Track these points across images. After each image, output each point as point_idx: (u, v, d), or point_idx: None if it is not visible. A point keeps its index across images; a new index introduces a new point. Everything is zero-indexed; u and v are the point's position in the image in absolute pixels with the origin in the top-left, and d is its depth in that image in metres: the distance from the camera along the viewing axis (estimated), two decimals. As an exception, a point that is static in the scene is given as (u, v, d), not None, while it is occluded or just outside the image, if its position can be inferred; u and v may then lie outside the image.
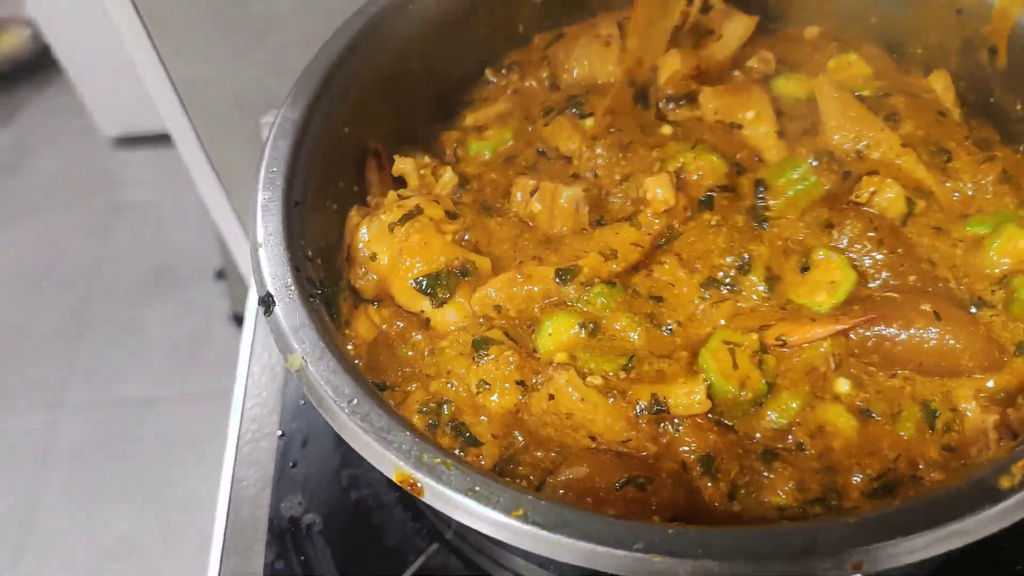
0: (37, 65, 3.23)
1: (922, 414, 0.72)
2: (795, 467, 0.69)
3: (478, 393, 0.73)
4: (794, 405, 0.72)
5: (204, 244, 2.71)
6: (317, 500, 0.97)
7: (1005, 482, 0.57)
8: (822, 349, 0.73)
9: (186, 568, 2.15)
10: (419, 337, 0.80)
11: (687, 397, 0.70)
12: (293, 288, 0.70)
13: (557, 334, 0.76)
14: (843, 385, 0.73)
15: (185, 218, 2.81)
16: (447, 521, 0.88)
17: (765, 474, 0.69)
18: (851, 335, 0.74)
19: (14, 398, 2.52)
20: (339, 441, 1.02)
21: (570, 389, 0.70)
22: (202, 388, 2.50)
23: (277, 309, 0.69)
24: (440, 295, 0.78)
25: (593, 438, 0.71)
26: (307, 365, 0.66)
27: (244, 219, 1.36)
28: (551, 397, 0.71)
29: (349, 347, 0.77)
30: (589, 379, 0.71)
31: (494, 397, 0.73)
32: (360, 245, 0.82)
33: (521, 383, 0.73)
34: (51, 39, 2.71)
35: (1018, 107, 0.88)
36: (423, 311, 0.80)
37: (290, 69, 1.12)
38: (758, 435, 0.72)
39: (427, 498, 0.60)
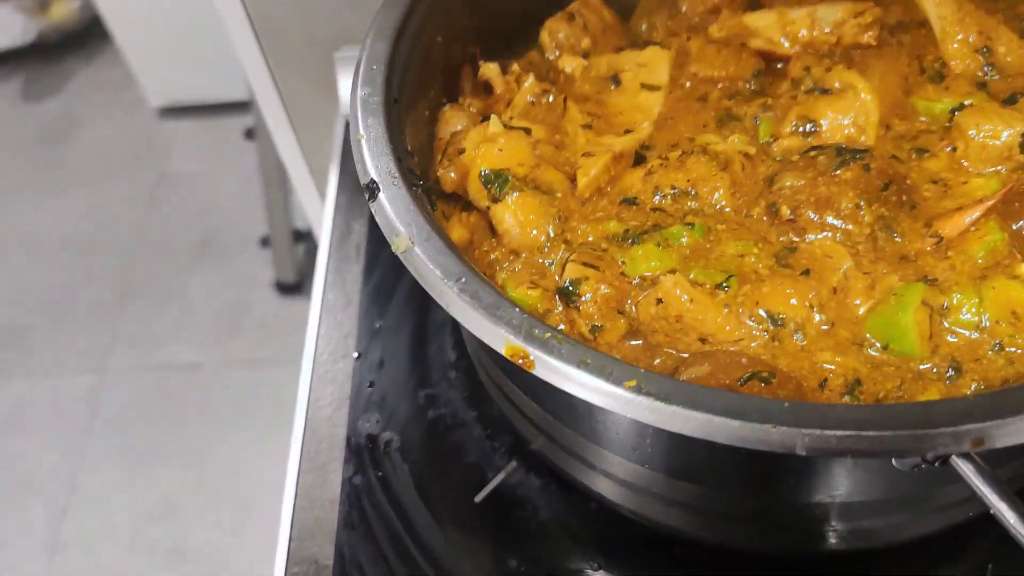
0: (86, 36, 3.27)
1: None
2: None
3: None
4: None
5: (249, 214, 2.73)
6: (395, 419, 0.98)
7: None
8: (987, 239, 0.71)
9: (224, 531, 2.17)
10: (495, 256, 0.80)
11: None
12: (397, 176, 0.70)
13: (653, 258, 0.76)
14: None
15: (230, 188, 2.84)
16: (541, 426, 0.87)
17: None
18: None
19: (60, 362, 2.55)
20: (415, 362, 1.03)
21: (678, 291, 0.70)
22: (245, 355, 2.52)
23: (382, 195, 0.69)
24: (494, 192, 0.79)
25: (704, 340, 0.71)
26: (414, 246, 0.66)
27: (311, 160, 1.37)
28: (659, 301, 0.71)
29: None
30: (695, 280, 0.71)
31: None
32: (451, 138, 0.83)
33: (622, 312, 0.73)
34: (102, 10, 2.75)
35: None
36: (488, 207, 0.80)
37: (364, 3, 1.14)
38: None
39: (538, 371, 0.60)
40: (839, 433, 0.54)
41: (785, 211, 0.74)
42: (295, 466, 0.96)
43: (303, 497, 0.93)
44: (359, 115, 0.75)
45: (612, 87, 0.91)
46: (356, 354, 1.03)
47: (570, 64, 0.93)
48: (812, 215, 0.73)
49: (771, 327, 0.70)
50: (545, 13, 0.97)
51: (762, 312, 0.70)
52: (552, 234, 0.78)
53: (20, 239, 2.84)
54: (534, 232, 0.77)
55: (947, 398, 0.57)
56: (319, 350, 1.04)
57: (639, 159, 0.84)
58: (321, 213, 1.27)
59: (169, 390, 2.48)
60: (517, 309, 0.62)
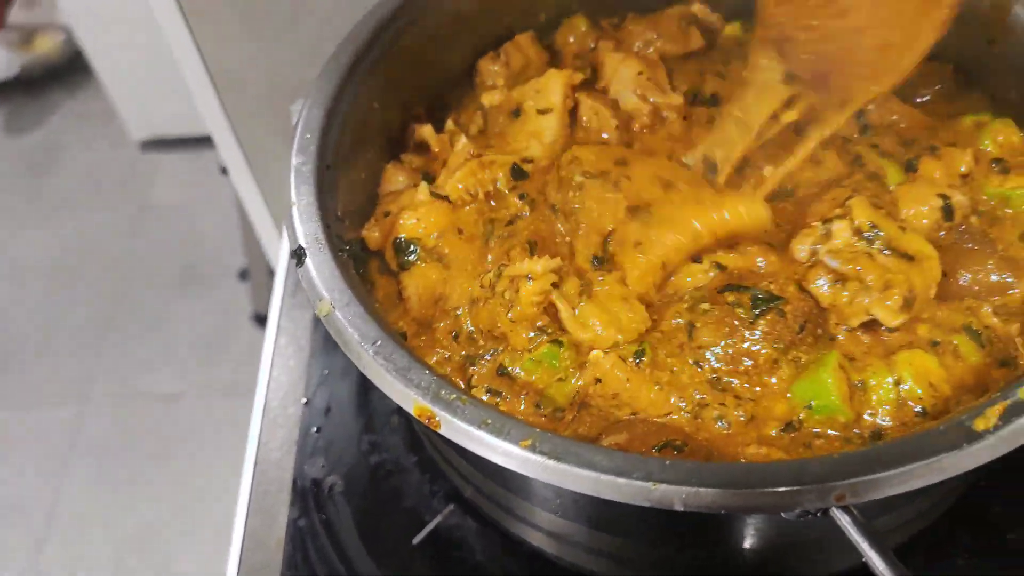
0: (70, 70, 3.32)
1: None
2: None
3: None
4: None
5: (228, 245, 2.77)
6: (339, 463, 1.02)
7: (980, 424, 0.61)
8: None
9: (205, 558, 2.20)
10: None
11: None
12: (323, 242, 0.76)
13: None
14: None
15: (210, 219, 2.88)
16: (467, 477, 0.92)
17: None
18: None
19: (42, 391, 2.58)
20: (360, 408, 1.08)
21: (618, 372, 0.75)
22: (224, 384, 2.55)
23: (308, 260, 0.75)
24: (401, 260, 0.85)
25: (635, 412, 0.75)
26: (335, 311, 0.71)
27: (272, 206, 1.42)
28: (597, 381, 0.76)
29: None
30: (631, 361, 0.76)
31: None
32: (385, 198, 0.88)
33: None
34: (84, 45, 2.80)
35: (1012, 94, 0.92)
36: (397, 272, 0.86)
37: (320, 57, 1.18)
38: None
39: (444, 430, 0.64)
40: (713, 491, 0.59)
41: (709, 371, 0.77)
42: (244, 508, 1.00)
43: (251, 538, 0.97)
44: (292, 183, 0.80)
45: (513, 119, 0.96)
46: (304, 400, 1.07)
47: (488, 100, 0.98)
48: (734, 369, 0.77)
49: (695, 408, 0.75)
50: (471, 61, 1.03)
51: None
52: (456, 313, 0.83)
53: (2, 269, 2.88)
54: (432, 306, 0.82)
55: (819, 456, 0.62)
56: (270, 395, 1.08)
57: (519, 173, 0.90)
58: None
59: (149, 419, 2.52)
60: (427, 372, 0.67)
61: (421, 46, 0.97)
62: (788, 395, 0.75)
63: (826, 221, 0.80)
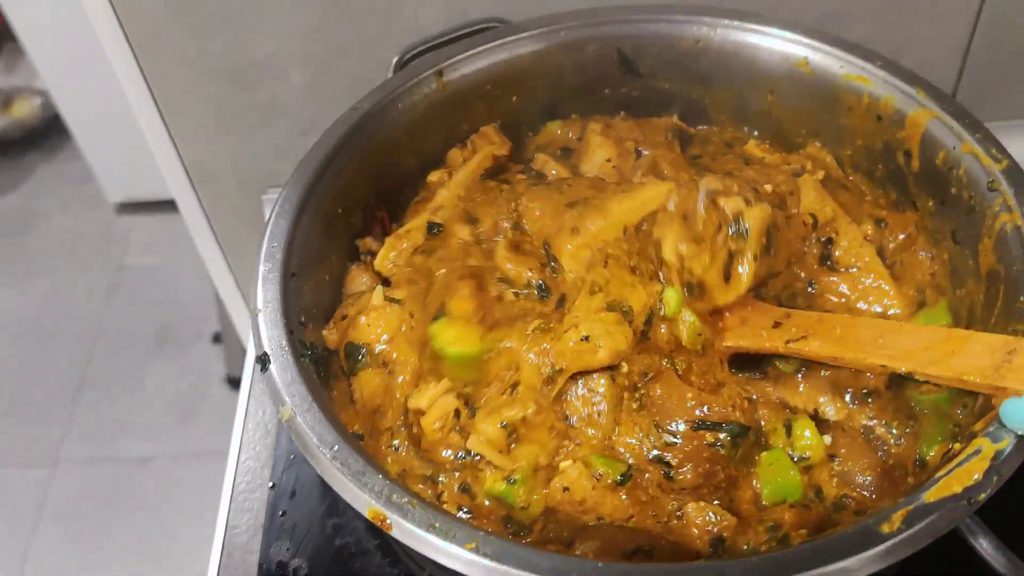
0: (47, 133, 3.39)
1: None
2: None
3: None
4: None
5: (203, 308, 2.82)
6: (304, 546, 1.06)
7: (886, 528, 0.67)
8: None
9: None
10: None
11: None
12: (287, 348, 0.82)
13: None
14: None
15: (185, 282, 2.94)
16: (421, 565, 0.97)
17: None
18: None
19: (11, 453, 2.61)
20: (324, 492, 1.12)
21: (584, 481, 0.81)
22: (197, 448, 2.59)
23: (272, 367, 0.81)
24: (350, 365, 0.91)
25: (600, 517, 0.81)
26: (296, 416, 0.77)
27: (244, 287, 1.48)
28: (565, 489, 0.82)
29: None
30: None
31: None
32: (346, 300, 0.95)
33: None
34: (61, 108, 2.87)
35: (930, 204, 0.99)
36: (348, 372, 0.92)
37: (291, 151, 1.26)
38: None
39: (394, 532, 0.70)
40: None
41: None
42: (211, 591, 1.04)
43: (219, 623, 1.02)
44: (259, 290, 0.87)
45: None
46: (271, 483, 1.12)
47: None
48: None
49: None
50: (438, 166, 1.10)
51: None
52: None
53: (-26, 330, 2.92)
54: (377, 412, 0.88)
55: (734, 560, 0.68)
56: (238, 479, 1.13)
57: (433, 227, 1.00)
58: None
59: (121, 482, 2.54)
60: (380, 476, 0.73)
61: (385, 152, 1.04)
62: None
63: None
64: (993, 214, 0.89)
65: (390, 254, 0.99)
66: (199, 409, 2.69)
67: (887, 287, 0.95)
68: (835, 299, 0.96)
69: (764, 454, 0.85)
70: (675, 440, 0.83)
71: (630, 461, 0.83)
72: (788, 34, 1.06)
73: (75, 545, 2.41)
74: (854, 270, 0.97)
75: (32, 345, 2.87)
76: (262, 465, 1.14)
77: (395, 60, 1.10)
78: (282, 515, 1.09)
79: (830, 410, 0.87)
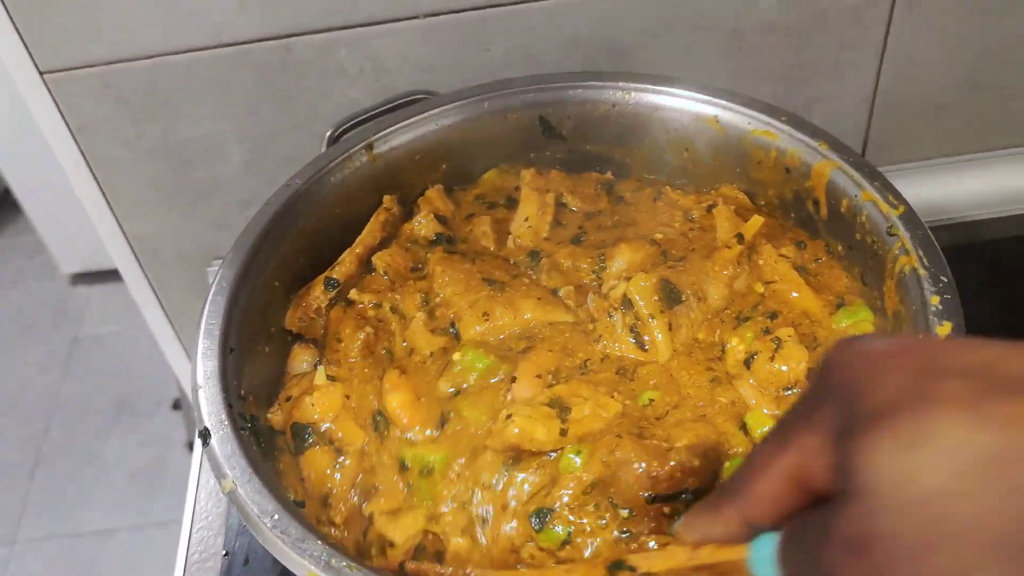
0: (-2, 206, 3.42)
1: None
2: None
3: None
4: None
5: (162, 375, 2.83)
6: None
7: None
8: None
9: None
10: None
11: None
12: (226, 423, 0.86)
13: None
14: None
15: (143, 350, 2.95)
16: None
17: None
18: None
19: (-35, 536, 2.60)
20: (276, 560, 1.15)
21: None
22: (161, 517, 2.59)
23: (213, 441, 0.85)
24: (297, 444, 0.95)
25: None
26: (236, 487, 0.81)
27: (189, 349, 1.52)
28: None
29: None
30: None
31: None
32: (289, 380, 0.99)
33: None
34: (11, 181, 2.91)
35: (840, 248, 1.05)
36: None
37: (232, 225, 1.30)
38: None
39: (332, 596, 0.74)
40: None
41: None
42: (165, 663, 1.06)
43: None
44: (198, 366, 0.91)
45: None
46: (224, 552, 1.15)
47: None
48: None
49: None
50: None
51: None
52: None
53: (-73, 410, 2.91)
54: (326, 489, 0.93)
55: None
56: (191, 549, 1.16)
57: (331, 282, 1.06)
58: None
59: (82, 557, 2.54)
60: (319, 542, 0.77)
61: (320, 224, 1.08)
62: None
63: None
64: (893, 257, 0.95)
65: (296, 314, 1.04)
66: (162, 477, 2.70)
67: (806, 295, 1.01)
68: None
69: (727, 464, 0.88)
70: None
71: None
72: (698, 95, 1.12)
73: (38, 625, 2.40)
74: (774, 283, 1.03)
75: (-15, 425, 2.87)
76: (215, 533, 1.17)
77: (328, 134, 1.15)
78: (236, 583, 1.12)
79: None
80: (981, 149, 1.46)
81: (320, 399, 0.95)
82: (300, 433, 0.94)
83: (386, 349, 1.01)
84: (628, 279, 0.98)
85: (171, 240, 1.35)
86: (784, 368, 0.93)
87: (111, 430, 2.81)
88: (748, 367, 0.95)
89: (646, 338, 0.97)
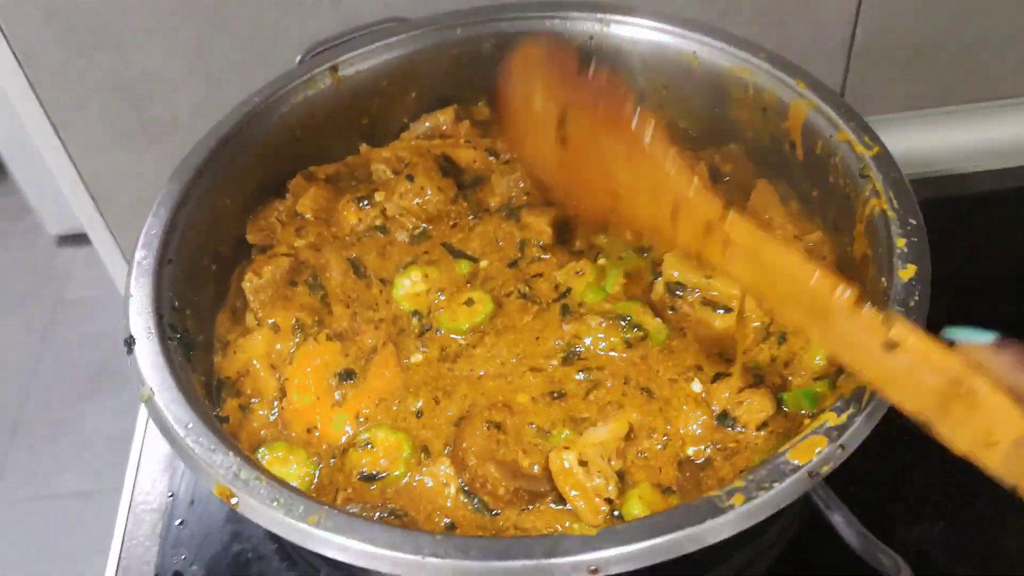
0: (-19, 168, 3.42)
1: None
2: None
3: None
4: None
5: (145, 340, 2.83)
6: (201, 553, 1.07)
7: (729, 500, 0.70)
8: None
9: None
10: None
11: None
12: (153, 332, 0.86)
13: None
14: None
15: (127, 314, 2.95)
16: (316, 567, 0.99)
17: None
18: None
19: (-56, 499, 2.60)
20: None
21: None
22: (138, 481, 2.58)
23: (136, 349, 0.85)
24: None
25: None
26: (154, 395, 0.81)
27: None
28: None
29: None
30: None
31: None
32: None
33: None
34: (-4, 144, 2.90)
35: (815, 193, 1.04)
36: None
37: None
38: None
39: (241, 509, 0.73)
40: (476, 564, 0.68)
41: None
42: (107, 606, 1.06)
43: (112, 635, 1.04)
44: (132, 276, 0.91)
45: None
46: (170, 493, 1.14)
47: None
48: None
49: None
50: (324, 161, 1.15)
51: None
52: None
53: (-92, 375, 2.92)
54: None
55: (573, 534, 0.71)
56: (136, 490, 1.16)
57: None
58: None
59: (61, 520, 2.54)
60: (231, 454, 0.76)
61: (277, 145, 1.09)
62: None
63: None
64: (864, 200, 0.93)
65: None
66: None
67: None
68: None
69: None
70: None
71: None
72: (678, 29, 1.10)
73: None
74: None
75: (-36, 389, 2.87)
76: (161, 474, 1.17)
77: (298, 59, 1.13)
78: (180, 524, 1.11)
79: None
80: (960, 101, 1.43)
81: (245, 345, 0.98)
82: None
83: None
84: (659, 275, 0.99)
85: (128, 182, 1.34)
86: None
87: (91, 395, 2.81)
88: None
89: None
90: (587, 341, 0.95)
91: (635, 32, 1.13)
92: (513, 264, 1.04)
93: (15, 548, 2.48)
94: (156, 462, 1.18)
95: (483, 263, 1.04)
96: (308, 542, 0.71)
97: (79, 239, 3.16)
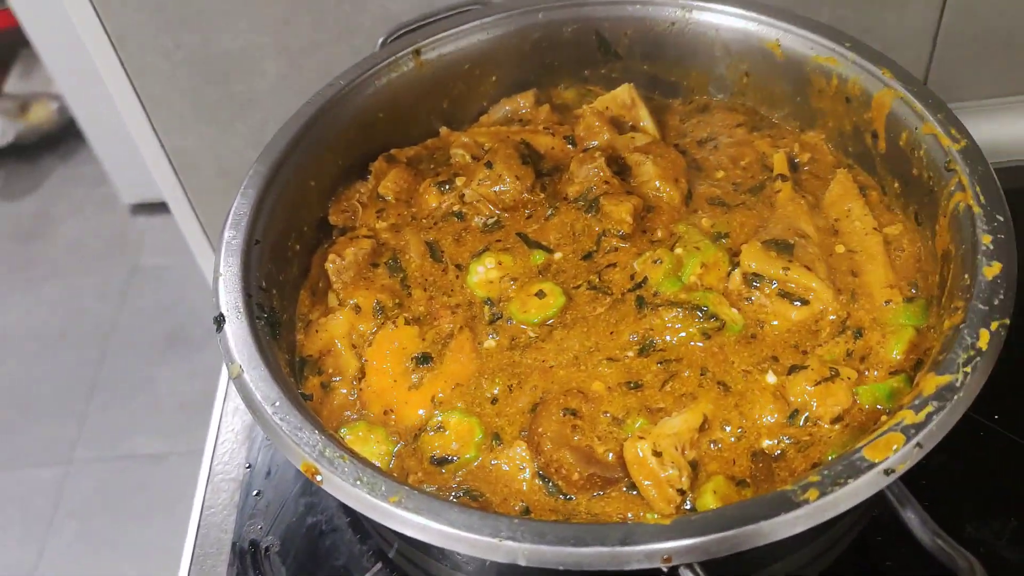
0: (62, 137, 3.52)
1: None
2: None
3: None
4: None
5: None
6: (277, 524, 1.11)
7: (799, 494, 0.70)
8: None
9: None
10: None
11: None
12: (242, 311, 0.88)
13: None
14: None
15: (199, 281, 3.01)
16: (390, 541, 1.03)
17: None
18: None
19: (25, 454, 2.70)
20: (299, 471, 1.18)
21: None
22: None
23: (226, 327, 0.88)
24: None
25: None
26: (243, 373, 0.84)
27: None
28: None
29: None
30: None
31: None
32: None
33: None
34: (76, 113, 3.00)
35: (896, 185, 1.03)
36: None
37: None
38: None
39: (325, 485, 0.76)
40: (550, 548, 0.69)
41: None
42: (185, 570, 1.10)
43: (192, 599, 1.08)
44: (221, 256, 0.94)
45: None
46: (247, 464, 1.18)
47: None
48: None
49: None
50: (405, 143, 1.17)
51: None
52: None
53: (-10, 334, 3.02)
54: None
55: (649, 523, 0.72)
56: (215, 460, 1.19)
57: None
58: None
59: (134, 481, 2.62)
60: (316, 432, 0.79)
61: (361, 127, 1.11)
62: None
63: None
64: (948, 194, 0.92)
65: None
66: (212, 407, 2.75)
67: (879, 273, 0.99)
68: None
69: None
70: None
71: None
72: (761, 16, 1.10)
73: (90, 543, 2.49)
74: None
75: (45, 348, 2.96)
76: (239, 446, 1.21)
77: (380, 41, 1.15)
78: (257, 495, 1.14)
79: None
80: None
81: (327, 325, 1.01)
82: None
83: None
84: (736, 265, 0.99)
85: (210, 155, 1.38)
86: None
87: (164, 359, 2.88)
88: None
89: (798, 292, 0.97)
90: (664, 334, 0.96)
91: (718, 19, 1.13)
92: (587, 256, 1.04)
93: (91, 507, 2.57)
94: (234, 433, 1.22)
95: (557, 255, 1.05)
96: (389, 520, 0.73)
97: (153, 208, 3.24)
